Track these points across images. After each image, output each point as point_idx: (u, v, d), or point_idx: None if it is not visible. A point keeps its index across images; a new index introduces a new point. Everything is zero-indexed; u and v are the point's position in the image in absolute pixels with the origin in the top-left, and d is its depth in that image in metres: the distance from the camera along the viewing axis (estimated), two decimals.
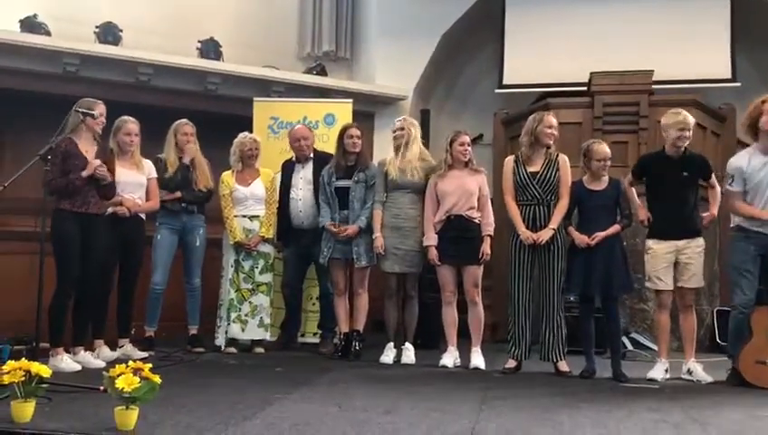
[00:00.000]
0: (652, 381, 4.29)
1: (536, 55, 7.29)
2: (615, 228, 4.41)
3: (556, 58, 7.19)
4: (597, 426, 2.96)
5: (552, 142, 4.59)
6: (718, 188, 4.49)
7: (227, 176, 5.28)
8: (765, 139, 4.25)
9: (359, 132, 5.05)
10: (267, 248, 5.26)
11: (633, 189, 4.62)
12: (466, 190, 4.67)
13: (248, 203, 5.22)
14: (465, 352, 4.71)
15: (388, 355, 4.83)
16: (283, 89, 6.99)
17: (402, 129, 4.94)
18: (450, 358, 4.67)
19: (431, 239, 4.69)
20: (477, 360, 4.61)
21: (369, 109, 7.38)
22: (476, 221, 4.68)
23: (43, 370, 2.82)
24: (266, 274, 5.24)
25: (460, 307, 4.79)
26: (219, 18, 7.28)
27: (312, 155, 5.38)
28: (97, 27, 6.55)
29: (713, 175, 4.49)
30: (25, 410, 2.78)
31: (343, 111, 6.06)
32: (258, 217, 5.24)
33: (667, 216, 4.38)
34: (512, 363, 4.54)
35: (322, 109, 6.12)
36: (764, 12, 6.96)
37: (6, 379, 2.77)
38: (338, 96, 6.81)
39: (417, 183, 4.83)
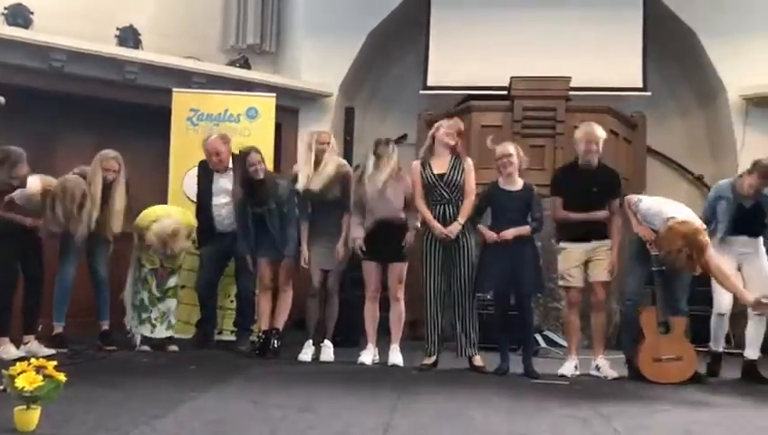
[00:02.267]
0: (562, 377, 4.45)
1: (460, 58, 7.40)
2: (525, 229, 4.54)
3: (479, 61, 7.31)
4: (508, 421, 3.04)
5: (451, 142, 4.68)
6: (619, 220, 4.62)
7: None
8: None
9: (259, 157, 4.92)
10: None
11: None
12: (394, 201, 4.70)
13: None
14: (385, 349, 4.74)
15: (307, 353, 4.82)
16: (205, 80, 6.82)
17: (328, 143, 4.95)
18: (369, 355, 4.69)
19: (358, 232, 4.70)
20: (395, 357, 4.66)
21: (293, 104, 7.31)
22: (402, 219, 4.73)
23: (59, 375, 2.63)
24: (173, 277, 5.13)
25: (381, 304, 4.82)
26: (139, 5, 7.03)
27: (230, 165, 5.26)
28: (5, 9, 6.22)
29: (620, 194, 4.65)
30: (31, 418, 2.56)
31: (266, 106, 5.98)
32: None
33: (579, 226, 4.57)
34: (428, 360, 4.60)
35: (245, 102, 6.02)
36: (674, 26, 7.32)
37: (23, 382, 2.53)
38: (261, 90, 6.70)
39: (332, 190, 4.83)
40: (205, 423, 2.78)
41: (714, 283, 4.59)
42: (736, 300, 4.58)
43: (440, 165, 4.69)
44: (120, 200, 4.88)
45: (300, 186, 4.84)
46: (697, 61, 7.32)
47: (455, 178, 4.64)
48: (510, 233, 4.48)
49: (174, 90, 6.04)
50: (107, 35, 6.65)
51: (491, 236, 4.52)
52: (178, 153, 5.72)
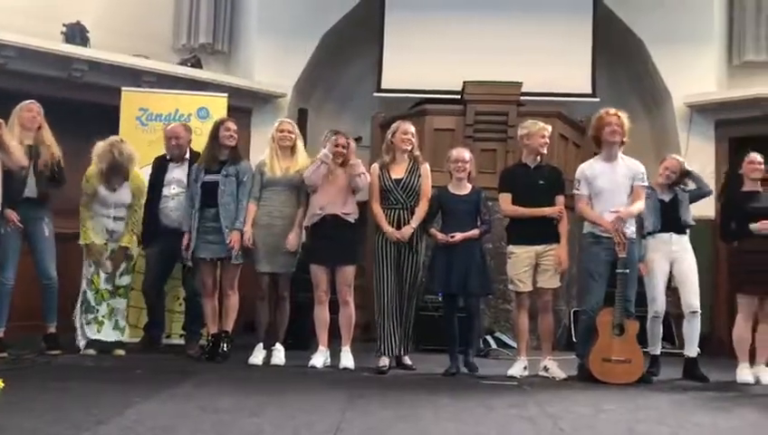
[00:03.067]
0: (511, 377, 4.51)
1: (414, 61, 7.45)
2: (474, 232, 4.61)
3: (433, 65, 7.37)
4: (456, 421, 3.07)
5: (409, 148, 4.74)
6: (565, 214, 4.69)
7: (92, 175, 4.92)
8: (608, 148, 4.57)
9: (235, 126, 4.93)
10: (133, 250, 5.05)
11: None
12: (341, 190, 4.70)
13: (112, 205, 4.94)
14: (336, 352, 4.72)
15: (258, 356, 4.77)
16: (155, 79, 6.70)
17: (290, 131, 4.93)
18: (320, 358, 4.67)
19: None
20: (347, 360, 4.64)
21: (246, 105, 7.24)
22: (351, 220, 4.72)
23: None
24: (126, 275, 5.01)
25: (333, 307, 4.81)
26: (87, 1, 6.88)
27: (187, 156, 5.18)
28: None
29: (563, 190, 4.73)
30: None
31: (218, 106, 5.91)
32: (123, 218, 4.98)
33: (525, 223, 4.62)
34: (384, 362, 4.62)
35: (196, 102, 5.93)
36: (623, 34, 7.51)
37: None
38: (213, 90, 6.62)
39: (296, 181, 4.79)
40: (150, 429, 2.73)
41: (647, 285, 4.73)
42: (678, 302, 4.75)
43: (398, 169, 4.73)
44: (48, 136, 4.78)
45: (267, 171, 4.80)
46: (644, 68, 7.53)
47: (412, 182, 4.68)
48: (459, 236, 4.55)
49: (123, 88, 5.93)
50: (53, 32, 6.48)
51: (441, 237, 4.58)
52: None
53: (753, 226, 4.61)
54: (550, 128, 4.76)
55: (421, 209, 4.68)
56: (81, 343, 4.90)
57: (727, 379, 4.68)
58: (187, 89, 6.50)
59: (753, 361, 4.73)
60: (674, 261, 4.77)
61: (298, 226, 4.80)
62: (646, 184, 4.59)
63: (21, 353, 4.57)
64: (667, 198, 4.84)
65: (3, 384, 2.60)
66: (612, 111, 4.58)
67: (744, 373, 4.65)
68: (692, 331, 4.77)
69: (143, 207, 5.10)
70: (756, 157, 4.77)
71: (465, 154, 4.77)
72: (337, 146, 4.72)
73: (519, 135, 4.81)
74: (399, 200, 4.67)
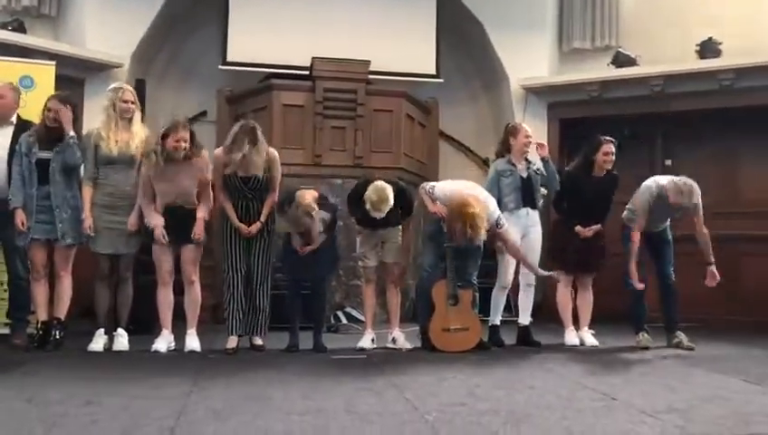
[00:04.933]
0: (360, 350, 4.60)
1: (262, 34, 7.24)
2: (324, 238, 4.59)
3: (281, 39, 7.21)
4: (304, 398, 3.07)
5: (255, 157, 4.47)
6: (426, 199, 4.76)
7: None
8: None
9: (57, 105, 4.52)
10: None
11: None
12: (182, 182, 4.46)
13: None
14: (183, 335, 4.55)
15: (98, 343, 4.49)
16: None
17: (133, 102, 4.64)
18: (164, 342, 4.48)
19: (155, 219, 4.44)
20: (192, 342, 4.50)
21: (77, 74, 6.70)
22: (194, 204, 4.53)
23: None
24: None
25: (178, 289, 4.62)
26: None
27: (14, 120, 4.74)
28: None
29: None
30: None
31: (44, 74, 5.41)
32: None
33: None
34: (232, 343, 4.52)
35: (18, 70, 5.38)
36: (464, 17, 7.78)
37: None
38: (39, 57, 6.05)
39: (135, 157, 4.54)
40: None
41: (499, 258, 4.99)
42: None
43: (246, 169, 4.48)
44: None
45: (103, 146, 4.48)
46: (484, 51, 7.86)
47: (259, 176, 4.51)
48: (308, 249, 4.52)
49: None
50: None
51: (299, 249, 4.55)
52: None
53: (577, 228, 5.02)
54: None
55: (270, 202, 4.58)
56: None
57: (557, 343, 5.07)
58: (7, 55, 5.88)
59: (578, 326, 5.17)
60: (524, 234, 5.03)
61: (139, 206, 4.54)
62: (504, 226, 4.70)
63: None
64: (524, 174, 5.06)
65: None
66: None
67: (571, 336, 5.07)
68: (527, 301, 5.11)
69: None
70: (611, 148, 5.07)
71: None
72: (177, 141, 4.37)
73: None
74: (248, 196, 4.56)
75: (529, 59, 7.60)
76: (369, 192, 4.42)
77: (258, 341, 4.65)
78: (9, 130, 4.69)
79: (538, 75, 7.62)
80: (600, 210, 5.09)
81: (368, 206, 4.43)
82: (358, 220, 4.78)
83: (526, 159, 5.11)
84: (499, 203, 4.89)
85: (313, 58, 6.66)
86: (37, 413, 2.72)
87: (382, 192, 4.40)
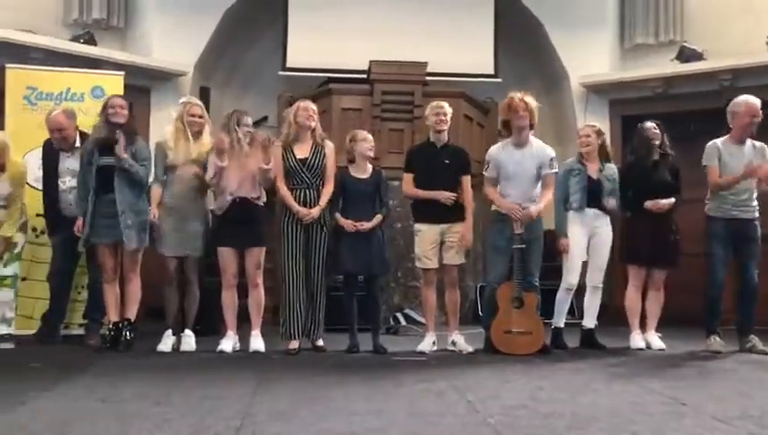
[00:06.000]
0: (420, 353, 4.60)
1: (320, 39, 7.36)
2: (378, 219, 4.70)
3: (339, 43, 7.32)
4: (366, 399, 3.08)
5: (312, 125, 4.69)
6: (470, 194, 4.78)
7: None
8: (517, 133, 4.69)
9: (122, 102, 4.70)
10: (15, 238, 4.77)
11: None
12: (249, 172, 4.60)
13: None
14: (247, 336, 4.65)
15: (167, 343, 4.63)
16: (43, 56, 6.31)
17: (201, 116, 4.80)
18: (229, 343, 4.59)
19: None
20: (257, 343, 4.59)
21: (144, 83, 6.95)
22: (259, 204, 4.66)
23: None
24: (11, 265, 4.74)
25: (243, 291, 4.72)
26: None
27: (77, 143, 4.94)
28: None
29: (469, 170, 4.82)
30: None
31: (114, 85, 5.62)
32: (4, 206, 4.70)
33: (430, 202, 4.67)
34: (293, 344, 4.58)
35: (89, 81, 5.63)
36: (523, 15, 7.70)
37: None
38: (108, 68, 6.30)
39: (201, 163, 4.68)
40: (47, 425, 2.59)
41: (563, 259, 4.91)
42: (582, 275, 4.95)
43: (302, 149, 4.66)
44: None
45: (171, 154, 4.64)
46: (544, 49, 7.76)
47: (317, 162, 4.63)
48: (368, 226, 4.61)
49: (7, 66, 5.56)
50: None
51: (349, 225, 4.61)
52: (16, 135, 5.24)
53: (647, 203, 4.87)
54: (446, 106, 4.77)
55: (328, 189, 4.66)
56: None
57: (622, 346, 4.95)
58: (79, 67, 6.15)
59: (645, 328, 5.03)
60: (592, 235, 4.94)
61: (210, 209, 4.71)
62: (555, 170, 4.71)
63: None
64: (594, 175, 4.95)
65: None
66: (519, 95, 4.64)
67: (636, 340, 4.94)
68: (592, 304, 5.00)
69: (43, 196, 4.88)
70: (652, 124, 5.02)
71: (370, 136, 4.83)
72: (239, 125, 4.59)
73: (425, 116, 4.88)
74: (305, 180, 4.63)
75: (589, 56, 7.47)
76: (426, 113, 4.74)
77: (320, 342, 4.71)
78: (77, 155, 4.87)
79: (599, 73, 7.47)
80: (665, 191, 4.91)
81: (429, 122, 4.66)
82: (415, 205, 4.75)
83: (601, 161, 5.00)
84: (566, 201, 4.84)
85: (371, 61, 6.71)
86: (111, 412, 2.83)
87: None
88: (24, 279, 4.91)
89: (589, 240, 4.92)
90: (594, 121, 6.23)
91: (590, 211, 4.92)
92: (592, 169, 4.96)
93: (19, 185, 4.78)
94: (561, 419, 2.73)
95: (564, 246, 4.86)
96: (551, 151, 4.71)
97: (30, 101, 5.45)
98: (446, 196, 4.64)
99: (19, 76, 5.51)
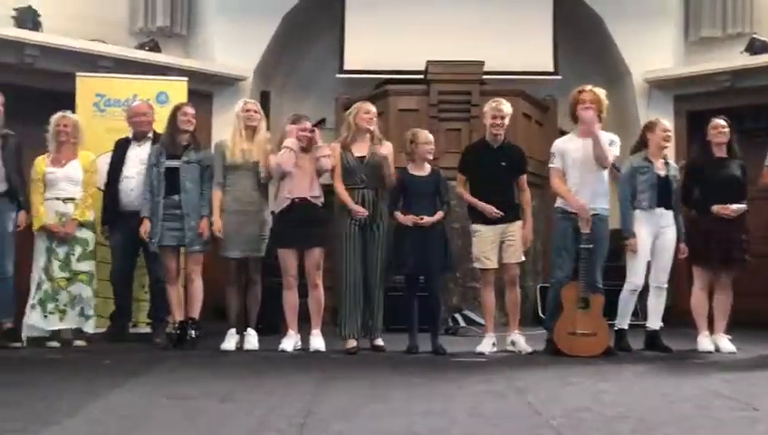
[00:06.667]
0: (480, 354, 4.56)
1: (376, 41, 7.40)
2: (440, 215, 4.66)
3: (396, 45, 7.34)
4: (426, 400, 3.08)
5: (371, 127, 4.71)
6: (528, 193, 4.75)
7: (40, 160, 4.88)
8: (582, 124, 4.62)
9: (193, 111, 4.88)
10: (86, 234, 4.90)
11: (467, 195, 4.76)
12: (307, 173, 4.67)
13: (62, 185, 4.84)
14: (307, 335, 4.71)
15: (230, 342, 4.74)
16: (111, 64, 6.55)
17: (256, 111, 4.89)
18: (290, 342, 4.66)
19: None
20: (317, 342, 4.64)
21: (206, 88, 7.13)
22: (318, 204, 4.71)
23: None
24: (87, 261, 4.89)
25: (303, 291, 4.78)
26: None
27: (151, 135, 5.12)
28: None
29: (526, 170, 4.78)
30: None
31: (178, 90, 5.79)
32: (73, 199, 4.86)
33: (489, 202, 4.63)
34: (351, 344, 4.62)
35: (155, 87, 5.81)
36: (582, 11, 7.56)
37: None
38: (172, 74, 6.49)
39: (259, 163, 4.76)
40: (120, 420, 2.69)
41: (627, 258, 4.80)
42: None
43: (360, 149, 4.70)
44: None
45: (228, 154, 4.74)
46: (604, 45, 7.60)
47: (374, 161, 4.66)
48: (428, 220, 4.59)
49: (78, 74, 5.78)
50: (3, 16, 6.28)
51: (410, 219, 4.59)
52: (86, 140, 5.46)
53: (715, 207, 4.71)
54: (505, 106, 4.72)
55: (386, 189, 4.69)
56: (24, 336, 4.77)
57: (689, 348, 4.81)
58: (144, 73, 6.36)
59: (713, 329, 4.87)
60: (657, 235, 4.82)
61: (269, 212, 4.79)
62: (617, 153, 4.64)
63: None
64: (662, 172, 4.83)
65: None
66: (588, 87, 4.65)
67: (704, 342, 4.79)
68: (657, 304, 4.87)
69: (104, 188, 5.06)
70: (720, 121, 4.86)
71: (431, 136, 4.83)
72: (303, 130, 4.68)
73: (483, 114, 4.83)
74: (363, 180, 4.67)
75: (652, 51, 7.28)
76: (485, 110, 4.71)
77: (378, 341, 4.73)
78: (147, 146, 5.06)
79: (663, 67, 7.27)
80: (733, 192, 4.75)
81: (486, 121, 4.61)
82: (471, 206, 4.73)
83: (665, 159, 4.88)
84: (633, 200, 4.74)
85: (428, 62, 6.71)
86: (179, 408, 2.92)
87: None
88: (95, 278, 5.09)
89: (654, 239, 4.79)
90: (658, 117, 6.08)
91: (659, 210, 4.79)
92: (659, 167, 4.83)
93: (91, 172, 4.97)
94: (626, 422, 2.67)
95: (633, 245, 4.74)
96: (613, 136, 4.67)
97: (99, 108, 5.66)
98: (492, 212, 4.58)
99: (89, 84, 5.73)
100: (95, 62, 6.50)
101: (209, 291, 4.92)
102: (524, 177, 4.74)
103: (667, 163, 4.88)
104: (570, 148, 4.64)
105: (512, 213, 4.66)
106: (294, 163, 4.61)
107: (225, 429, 2.57)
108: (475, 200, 4.66)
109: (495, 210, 4.58)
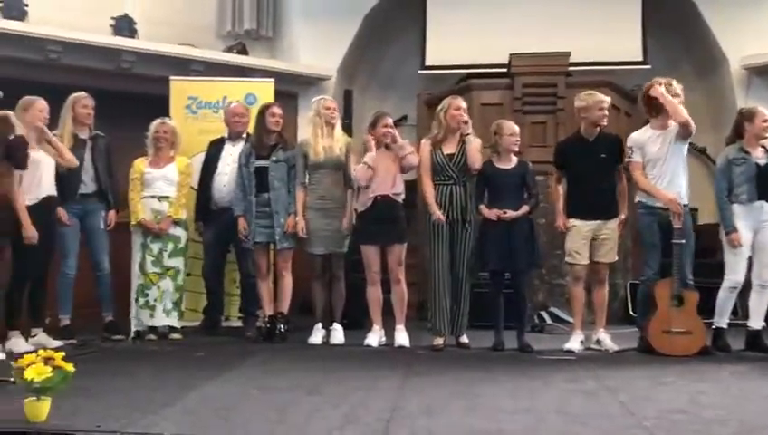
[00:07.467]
0: (568, 352, 4.46)
1: (458, 36, 7.34)
2: (525, 209, 4.59)
3: (477, 39, 7.26)
4: (513, 397, 3.05)
5: (462, 124, 4.67)
6: (625, 183, 4.62)
7: (139, 161, 5.13)
8: (660, 115, 4.45)
9: (280, 111, 5.01)
10: (178, 232, 5.09)
11: (560, 191, 4.70)
12: (390, 171, 4.69)
13: (158, 185, 5.05)
14: (391, 331, 4.75)
15: (317, 336, 4.84)
16: (202, 68, 6.81)
17: (335, 109, 4.97)
18: (375, 337, 4.71)
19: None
20: (401, 338, 4.67)
21: (292, 89, 7.28)
22: (400, 200, 4.73)
23: (68, 366, 2.65)
24: (176, 258, 5.07)
25: (386, 287, 4.82)
26: None
27: (245, 135, 5.30)
28: (0, 2, 6.19)
29: (623, 159, 4.63)
30: (41, 409, 2.58)
31: (265, 91, 5.95)
32: (168, 197, 5.06)
33: (586, 198, 4.53)
34: (439, 341, 4.62)
35: (243, 88, 5.98)
36: None
37: (32, 374, 2.56)
38: (259, 75, 6.68)
39: (341, 160, 4.84)
40: (214, 410, 2.80)
41: (726, 254, 4.57)
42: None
43: (450, 145, 4.69)
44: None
45: (311, 153, 4.83)
46: (697, 32, 7.26)
47: (462, 158, 4.63)
48: (512, 214, 4.53)
49: (171, 78, 6.02)
50: (102, 25, 6.64)
51: (494, 213, 4.55)
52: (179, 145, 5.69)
53: None
54: (608, 99, 4.62)
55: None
56: (133, 329, 4.99)
57: None
58: (233, 75, 6.57)
59: None
60: (759, 230, 4.56)
61: (349, 208, 4.84)
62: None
63: (87, 340, 4.74)
64: (762, 162, 4.57)
65: (73, 369, 2.69)
66: (663, 79, 4.49)
67: None
68: (760, 303, 4.60)
69: (198, 186, 5.27)
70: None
71: (516, 127, 4.76)
72: (384, 126, 4.72)
73: (576, 107, 4.69)
74: (452, 176, 4.65)
75: (752, 36, 6.87)
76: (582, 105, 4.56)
77: (463, 338, 4.71)
78: (240, 144, 5.22)
79: (763, 52, 6.87)
80: None
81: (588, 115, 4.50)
82: (568, 203, 4.62)
83: (763, 147, 4.61)
84: (730, 193, 4.52)
85: (511, 55, 6.59)
86: (269, 400, 3.01)
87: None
88: (188, 275, 5.30)
89: (755, 234, 4.55)
90: (759, 106, 5.75)
91: (758, 203, 4.53)
92: (758, 156, 4.58)
93: (186, 174, 5.18)
94: (726, 426, 2.55)
95: (735, 240, 4.51)
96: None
97: (191, 110, 5.88)
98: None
99: (181, 87, 5.97)
100: (187, 66, 6.76)
101: (295, 287, 5.03)
102: (621, 166, 4.61)
103: (766, 151, 4.61)
104: (647, 141, 4.47)
105: (609, 208, 4.54)
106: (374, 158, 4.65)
107: (313, 421, 2.63)
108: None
109: (561, 223, 4.56)
